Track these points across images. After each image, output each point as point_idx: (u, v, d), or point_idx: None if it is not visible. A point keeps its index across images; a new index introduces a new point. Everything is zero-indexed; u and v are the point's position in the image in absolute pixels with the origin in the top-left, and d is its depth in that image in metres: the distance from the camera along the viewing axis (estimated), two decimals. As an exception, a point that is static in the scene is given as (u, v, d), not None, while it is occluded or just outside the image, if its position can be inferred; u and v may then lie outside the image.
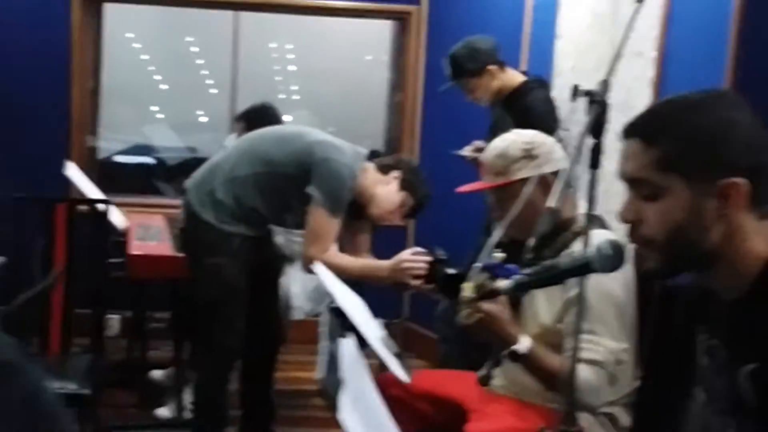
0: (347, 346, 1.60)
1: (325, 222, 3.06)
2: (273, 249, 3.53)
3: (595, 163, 1.77)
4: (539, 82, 3.74)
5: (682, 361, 1.59)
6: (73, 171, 4.16)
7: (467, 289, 1.77)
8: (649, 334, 2.22)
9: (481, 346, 2.39)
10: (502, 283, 1.61)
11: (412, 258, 2.93)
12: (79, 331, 3.86)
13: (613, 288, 2.21)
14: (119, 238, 4.05)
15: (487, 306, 1.97)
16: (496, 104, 3.83)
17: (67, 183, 4.34)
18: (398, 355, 2.49)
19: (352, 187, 3.09)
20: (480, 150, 3.55)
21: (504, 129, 3.68)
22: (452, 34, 4.10)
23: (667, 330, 1.91)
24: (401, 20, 5.32)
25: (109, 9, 5.45)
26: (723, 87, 2.70)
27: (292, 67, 7.52)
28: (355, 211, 3.18)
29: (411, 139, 5.34)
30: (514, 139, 2.43)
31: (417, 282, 2.92)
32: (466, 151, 3.75)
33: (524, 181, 2.31)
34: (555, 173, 2.33)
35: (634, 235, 1.44)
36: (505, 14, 4.49)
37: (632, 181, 1.42)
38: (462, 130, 4.26)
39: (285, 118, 6.92)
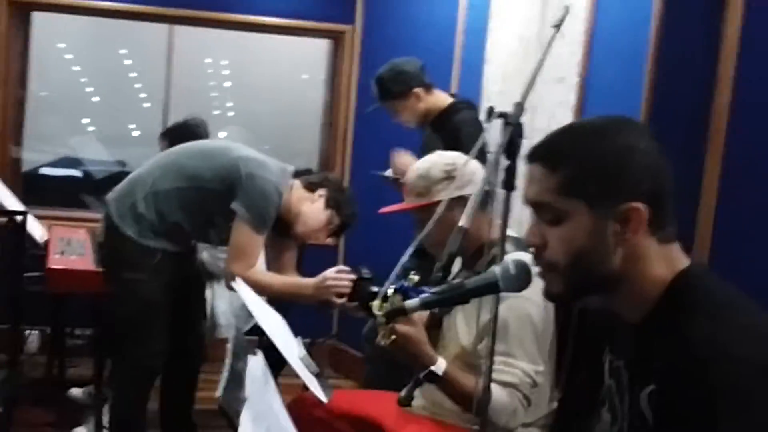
0: (255, 363, 1.58)
1: (249, 238, 3.03)
2: (195, 265, 3.48)
3: (509, 185, 1.78)
4: (467, 104, 3.76)
5: (592, 382, 1.61)
6: (-7, 182, 4.05)
7: (376, 308, 1.76)
8: (566, 356, 2.24)
9: (405, 367, 2.39)
10: (409, 302, 1.61)
11: (337, 276, 2.93)
12: (-4, 347, 3.75)
13: (532, 311, 2.23)
14: (39, 251, 3.96)
15: (401, 328, 1.96)
16: (425, 126, 3.84)
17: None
18: (318, 375, 2.47)
19: (278, 204, 3.06)
20: (402, 172, 3.56)
21: (433, 150, 3.70)
22: (385, 54, 4.10)
23: (580, 352, 1.94)
24: (335, 39, 5.33)
25: (39, 18, 5.35)
26: (640, 111, 2.79)
27: (227, 83, 7.45)
28: (281, 228, 3.16)
29: (342, 158, 5.34)
30: (436, 160, 2.45)
31: (341, 300, 2.92)
32: (389, 173, 3.76)
33: (442, 202, 2.32)
34: (482, 195, 2.35)
35: (538, 259, 1.45)
36: (437, 37, 4.53)
37: (535, 205, 1.43)
38: (393, 149, 4.27)
39: (220, 134, 6.89)
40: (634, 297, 1.40)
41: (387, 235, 4.11)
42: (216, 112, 7.30)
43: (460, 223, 1.67)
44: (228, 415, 1.15)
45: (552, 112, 3.15)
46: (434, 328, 2.48)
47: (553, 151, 1.42)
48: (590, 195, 1.37)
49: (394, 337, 1.97)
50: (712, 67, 2.78)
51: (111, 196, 3.19)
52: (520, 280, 1.52)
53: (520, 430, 2.33)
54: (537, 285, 1.53)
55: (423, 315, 2.27)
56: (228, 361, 1.26)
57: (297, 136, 6.55)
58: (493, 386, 2.13)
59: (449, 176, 2.38)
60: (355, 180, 5.14)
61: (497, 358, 2.19)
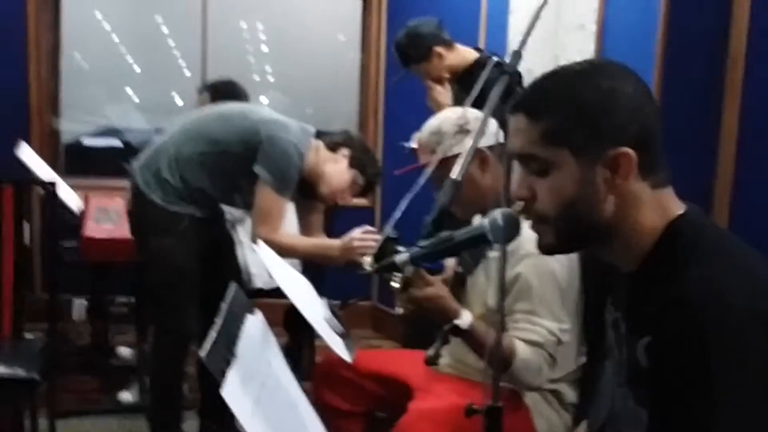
0: (253, 323, 1.59)
1: (273, 201, 3.02)
2: (223, 229, 3.48)
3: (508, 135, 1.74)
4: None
5: (597, 334, 1.59)
6: (26, 152, 4.10)
7: (367, 264, 1.75)
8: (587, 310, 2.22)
9: (438, 325, 2.38)
10: (399, 257, 1.59)
11: (363, 237, 2.92)
12: (42, 316, 3.82)
13: (555, 268, 2.20)
14: (77, 221, 4.02)
15: (420, 292, 1.95)
16: (452, 82, 3.79)
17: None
18: (344, 336, 2.47)
19: (301, 165, 3.05)
20: None
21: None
22: (413, 11, 4.07)
23: (591, 304, 1.91)
24: (363, 0, 5.28)
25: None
26: (654, 57, 2.72)
27: (264, 48, 7.43)
28: (305, 190, 3.15)
29: (375, 119, 5.31)
30: (448, 115, 2.43)
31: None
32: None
33: (459, 156, 2.28)
34: (491, 147, 2.32)
35: (528, 211, 1.41)
36: (463, -9, 4.45)
37: (521, 157, 1.39)
38: (425, 109, 4.23)
39: (261, 99, 6.89)
40: (628, 246, 1.37)
41: (422, 196, 4.08)
42: (256, 78, 7.30)
43: (453, 176, 1.64)
44: (211, 373, 1.16)
45: (573, 60, 3.08)
46: (458, 287, 2.47)
47: (535, 100, 1.38)
48: (576, 142, 1.32)
49: (412, 305, 1.96)
50: (726, 11, 2.70)
51: (136, 163, 3.21)
52: (508, 231, 1.49)
53: (549, 385, 2.32)
54: None
55: (446, 274, 2.25)
56: (220, 320, 1.25)
57: (337, 98, 6.53)
58: (519, 344, 2.12)
59: (462, 130, 2.33)
60: (389, 140, 5.12)
61: (521, 317, 2.19)
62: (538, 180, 1.37)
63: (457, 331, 2.06)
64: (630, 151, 1.31)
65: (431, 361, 2.26)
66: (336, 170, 3.12)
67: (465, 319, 2.05)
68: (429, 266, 2.00)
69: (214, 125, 3.13)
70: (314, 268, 3.73)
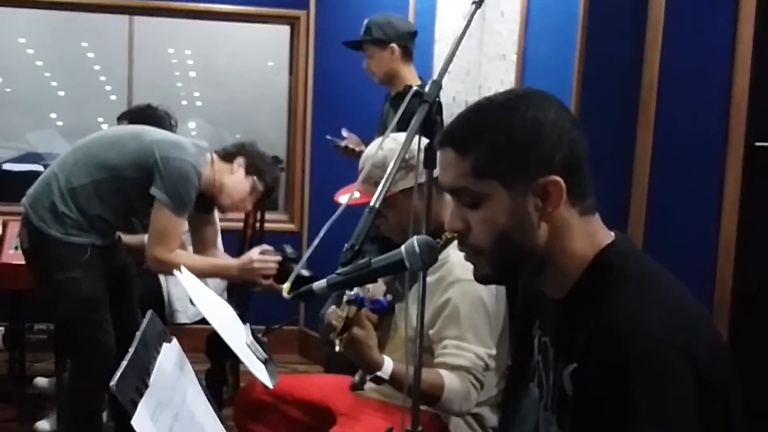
0: (168, 352, 1.56)
1: (170, 221, 2.99)
2: (121, 256, 3.38)
3: (429, 164, 1.77)
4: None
5: (523, 357, 1.60)
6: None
7: (285, 291, 1.73)
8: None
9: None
10: (316, 284, 1.59)
11: (261, 258, 2.92)
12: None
13: (483, 295, 2.23)
14: (-6, 247, 3.92)
15: (354, 332, 1.96)
16: (385, 101, 3.84)
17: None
18: (266, 361, 2.45)
19: (198, 183, 3.02)
20: (356, 144, 3.58)
21: (387, 127, 3.69)
22: (340, 38, 4.08)
23: (518, 327, 1.93)
24: (291, 25, 5.29)
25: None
26: (572, 85, 2.80)
27: (192, 73, 7.39)
28: (204, 204, 3.13)
29: (303, 143, 5.31)
30: (392, 148, 2.35)
31: (267, 282, 2.91)
32: (346, 142, 3.75)
33: (403, 191, 2.28)
34: (434, 180, 2.33)
35: (463, 244, 1.42)
36: (390, 18, 4.50)
37: (453, 190, 1.40)
38: (353, 131, 4.26)
39: (189, 125, 6.84)
40: (559, 273, 1.39)
41: (349, 218, 4.08)
42: (183, 103, 7.25)
43: (372, 203, 1.64)
44: (121, 403, 1.13)
45: (495, 89, 3.15)
46: (387, 314, 2.47)
47: (462, 134, 1.39)
48: (504, 174, 1.34)
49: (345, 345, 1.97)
50: (640, 43, 2.81)
51: (26, 199, 3.12)
52: (425, 257, 1.50)
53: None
54: None
55: (372, 317, 2.27)
56: (132, 349, 1.23)
57: (265, 123, 6.51)
58: (446, 375, 2.14)
59: (406, 165, 2.30)
60: (317, 164, 5.12)
61: (450, 342, 2.21)
62: (471, 212, 1.38)
63: (379, 380, 2.06)
64: (558, 178, 1.32)
65: (357, 387, 2.26)
66: (234, 180, 3.12)
67: (386, 369, 2.05)
68: (373, 307, 2.02)
69: (106, 151, 3.07)
70: (240, 293, 3.71)
